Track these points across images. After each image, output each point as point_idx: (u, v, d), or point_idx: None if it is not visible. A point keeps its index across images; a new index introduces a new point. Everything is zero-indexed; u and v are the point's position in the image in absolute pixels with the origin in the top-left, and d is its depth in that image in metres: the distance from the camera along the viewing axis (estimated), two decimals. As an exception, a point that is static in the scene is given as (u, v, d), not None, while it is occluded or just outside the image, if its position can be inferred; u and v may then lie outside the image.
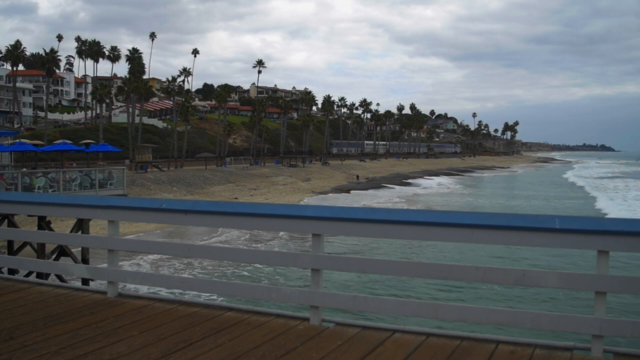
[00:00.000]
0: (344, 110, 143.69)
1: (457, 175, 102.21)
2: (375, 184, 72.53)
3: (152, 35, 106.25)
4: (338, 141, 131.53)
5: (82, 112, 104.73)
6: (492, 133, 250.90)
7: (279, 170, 74.68)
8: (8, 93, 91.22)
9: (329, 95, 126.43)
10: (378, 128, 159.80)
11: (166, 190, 48.35)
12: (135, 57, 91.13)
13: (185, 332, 4.01)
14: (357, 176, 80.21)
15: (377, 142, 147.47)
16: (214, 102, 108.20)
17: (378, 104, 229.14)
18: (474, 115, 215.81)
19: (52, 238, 11.26)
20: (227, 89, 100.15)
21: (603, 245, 3.50)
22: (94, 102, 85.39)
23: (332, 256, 4.61)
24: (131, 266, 23.45)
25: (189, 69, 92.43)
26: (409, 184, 75.24)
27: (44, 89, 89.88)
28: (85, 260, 20.23)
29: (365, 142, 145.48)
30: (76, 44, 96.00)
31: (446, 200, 54.83)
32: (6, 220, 19.85)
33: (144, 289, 12.65)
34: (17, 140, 38.00)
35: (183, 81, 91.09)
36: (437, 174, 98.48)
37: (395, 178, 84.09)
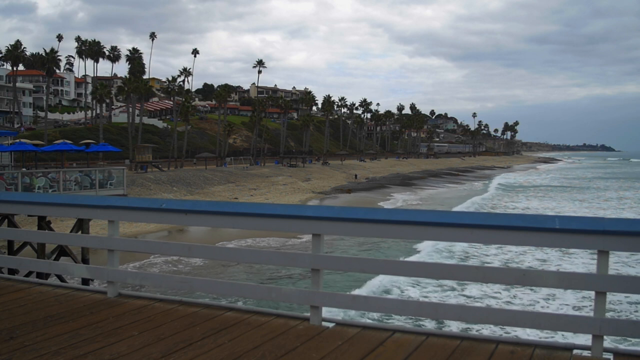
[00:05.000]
0: (344, 110, 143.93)
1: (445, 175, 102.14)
2: (376, 183, 72.54)
3: (152, 35, 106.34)
4: (427, 143, 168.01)
5: (82, 112, 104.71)
6: (492, 133, 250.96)
7: (279, 170, 74.67)
8: (8, 93, 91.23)
9: (329, 95, 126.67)
10: (378, 128, 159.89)
11: (166, 190, 48.34)
12: (135, 57, 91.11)
13: (186, 332, 4.01)
14: (356, 176, 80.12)
15: (434, 144, 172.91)
16: (214, 102, 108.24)
17: (378, 104, 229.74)
18: (474, 115, 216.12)
19: (52, 238, 11.24)
20: (227, 89, 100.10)
21: (603, 245, 3.49)
22: (94, 102, 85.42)
23: (332, 256, 4.61)
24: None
25: (189, 69, 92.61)
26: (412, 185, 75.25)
27: (44, 89, 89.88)
28: (85, 260, 20.24)
29: (436, 144, 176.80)
30: (76, 44, 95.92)
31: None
32: (6, 220, 19.86)
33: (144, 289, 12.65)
34: (17, 140, 37.99)
35: (183, 81, 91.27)
36: (436, 174, 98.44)
37: (395, 178, 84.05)
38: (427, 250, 27.60)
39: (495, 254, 26.97)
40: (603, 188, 74.87)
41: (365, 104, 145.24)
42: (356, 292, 19.39)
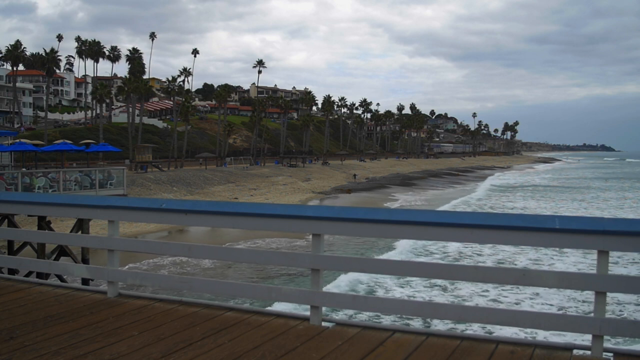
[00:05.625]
0: (344, 110, 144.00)
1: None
2: (376, 184, 72.51)
3: (152, 35, 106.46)
4: (427, 143, 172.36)
5: (82, 112, 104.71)
6: (492, 133, 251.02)
7: (279, 170, 74.68)
8: (8, 93, 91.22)
9: (329, 95, 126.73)
10: (378, 128, 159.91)
11: (166, 190, 48.34)
12: (135, 57, 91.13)
13: (186, 332, 4.01)
14: (355, 175, 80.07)
15: (438, 145, 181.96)
16: (214, 102, 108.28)
17: (378, 104, 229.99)
18: (474, 115, 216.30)
19: (52, 238, 11.24)
20: (227, 89, 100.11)
21: (603, 245, 3.49)
22: (94, 102, 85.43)
23: (332, 256, 4.62)
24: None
25: (189, 69, 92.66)
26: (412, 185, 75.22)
27: (44, 89, 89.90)
28: (85, 260, 20.23)
29: (440, 144, 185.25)
30: (76, 44, 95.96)
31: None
32: (6, 220, 19.86)
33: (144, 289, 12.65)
34: (17, 140, 37.98)
35: (183, 81, 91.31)
36: (436, 174, 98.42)
37: (396, 178, 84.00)
38: (404, 247, 27.79)
39: (489, 254, 26.97)
40: (603, 188, 74.90)
41: (365, 104, 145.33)
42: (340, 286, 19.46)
